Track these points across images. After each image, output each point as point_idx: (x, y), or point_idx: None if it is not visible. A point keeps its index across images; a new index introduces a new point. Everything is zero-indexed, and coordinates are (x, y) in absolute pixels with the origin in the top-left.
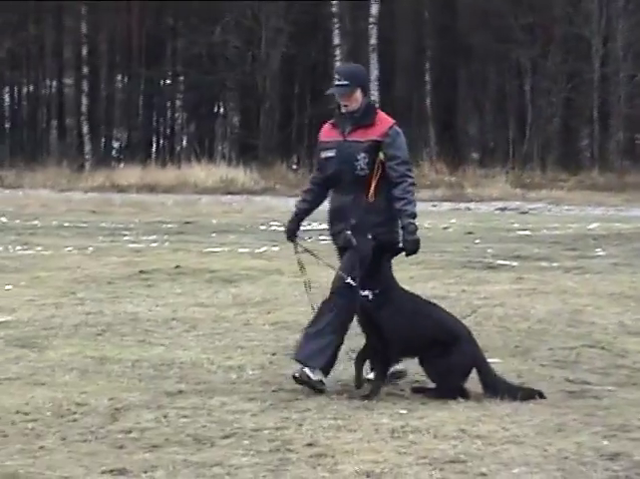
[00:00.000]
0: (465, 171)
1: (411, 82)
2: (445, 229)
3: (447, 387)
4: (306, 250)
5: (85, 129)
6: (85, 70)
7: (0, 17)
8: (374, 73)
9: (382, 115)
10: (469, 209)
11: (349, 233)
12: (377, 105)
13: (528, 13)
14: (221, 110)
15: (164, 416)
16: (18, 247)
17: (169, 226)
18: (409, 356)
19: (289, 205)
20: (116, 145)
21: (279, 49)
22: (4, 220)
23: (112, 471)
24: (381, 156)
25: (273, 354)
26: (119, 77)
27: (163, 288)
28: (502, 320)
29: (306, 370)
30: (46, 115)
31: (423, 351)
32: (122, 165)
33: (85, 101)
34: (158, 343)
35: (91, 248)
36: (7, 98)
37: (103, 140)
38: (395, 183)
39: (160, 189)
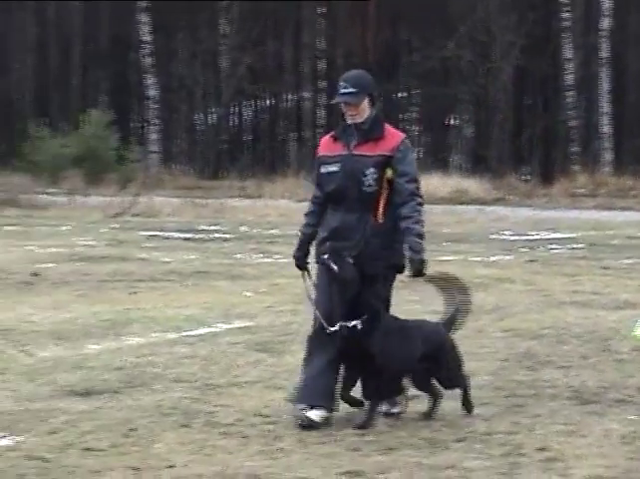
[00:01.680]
0: None
1: None
2: None
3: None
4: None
5: None
6: (322, 84)
7: (241, 35)
8: (604, 86)
9: (390, 128)
10: None
11: (326, 256)
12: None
13: None
14: (455, 122)
15: (399, 419)
16: (258, 255)
17: None
18: (404, 377)
19: (520, 215)
20: None
21: (511, 62)
22: (245, 228)
23: (348, 473)
24: (388, 173)
25: (505, 361)
26: None
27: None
28: None
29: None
30: (285, 127)
31: (416, 370)
32: None
33: (321, 113)
34: None
35: None
36: (248, 111)
37: None
38: (403, 201)
39: None
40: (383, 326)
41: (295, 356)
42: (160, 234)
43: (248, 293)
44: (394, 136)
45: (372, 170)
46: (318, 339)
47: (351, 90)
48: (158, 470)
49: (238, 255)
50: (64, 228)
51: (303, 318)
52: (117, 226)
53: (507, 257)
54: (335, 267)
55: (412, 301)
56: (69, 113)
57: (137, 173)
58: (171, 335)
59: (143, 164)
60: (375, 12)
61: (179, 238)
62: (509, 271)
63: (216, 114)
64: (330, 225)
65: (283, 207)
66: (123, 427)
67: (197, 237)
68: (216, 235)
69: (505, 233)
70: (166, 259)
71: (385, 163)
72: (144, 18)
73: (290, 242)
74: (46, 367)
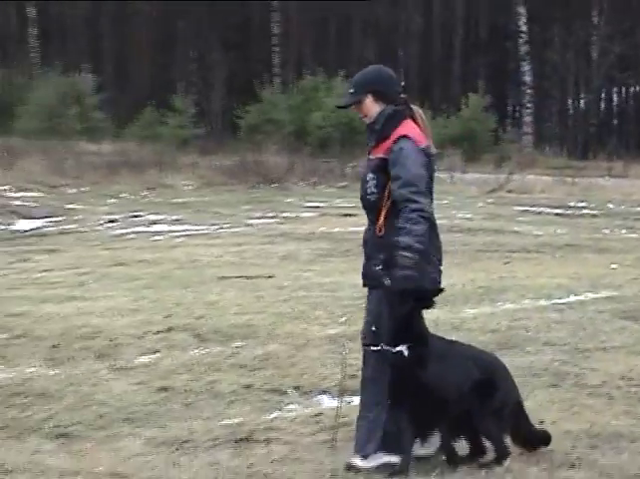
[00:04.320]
0: None
1: None
2: None
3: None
4: None
5: None
6: None
7: (611, 25)
8: None
9: (405, 125)
10: None
11: (379, 268)
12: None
13: None
14: None
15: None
16: (623, 231)
17: None
18: (457, 411)
19: None
20: None
21: None
22: (611, 206)
23: None
24: None
25: None
26: None
27: None
28: None
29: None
30: None
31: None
32: None
33: None
34: None
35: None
36: (615, 97)
37: None
38: (399, 210)
39: None
40: (433, 352)
41: None
42: (532, 209)
43: (614, 266)
44: (396, 134)
45: (371, 175)
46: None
47: (350, 90)
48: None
49: (605, 230)
50: (444, 201)
51: None
52: (492, 201)
53: None
54: (386, 281)
55: None
56: (450, 96)
57: (511, 153)
58: (543, 302)
59: (517, 144)
60: None
61: (550, 213)
62: None
63: (586, 99)
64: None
65: None
66: None
67: (567, 212)
68: (585, 211)
69: None
70: (538, 233)
71: (383, 166)
72: (521, 9)
73: None
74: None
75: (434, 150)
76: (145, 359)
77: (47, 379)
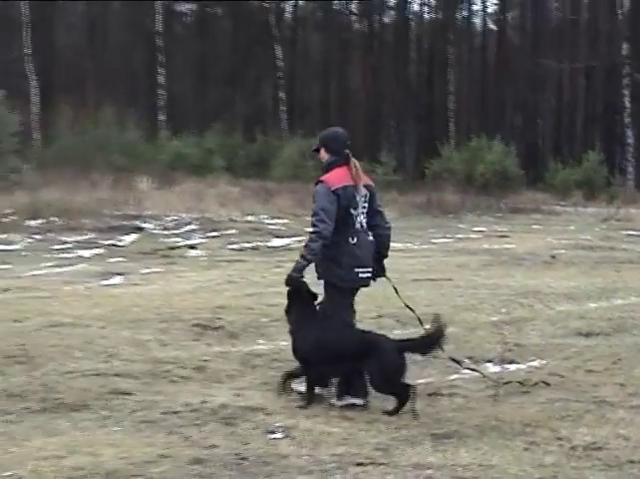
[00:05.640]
0: None
1: None
2: None
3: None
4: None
5: None
6: None
7: None
8: None
9: (334, 171)
10: None
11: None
12: None
13: None
14: None
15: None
16: None
17: None
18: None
19: None
20: None
21: None
22: None
23: None
24: None
25: None
26: None
27: None
28: None
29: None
30: None
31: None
32: None
33: None
34: None
35: None
36: None
37: None
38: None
39: None
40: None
41: None
42: (635, 233)
43: None
44: (321, 178)
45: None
46: None
47: (315, 145)
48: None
49: None
50: (570, 227)
51: None
52: (605, 227)
53: None
54: None
55: None
56: (575, 153)
57: (619, 193)
58: None
59: (623, 187)
60: None
61: None
62: None
63: None
64: None
65: None
66: (612, 358)
67: None
68: None
69: None
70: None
71: None
72: (625, 91)
73: None
74: (561, 317)
75: (361, 189)
76: None
77: None
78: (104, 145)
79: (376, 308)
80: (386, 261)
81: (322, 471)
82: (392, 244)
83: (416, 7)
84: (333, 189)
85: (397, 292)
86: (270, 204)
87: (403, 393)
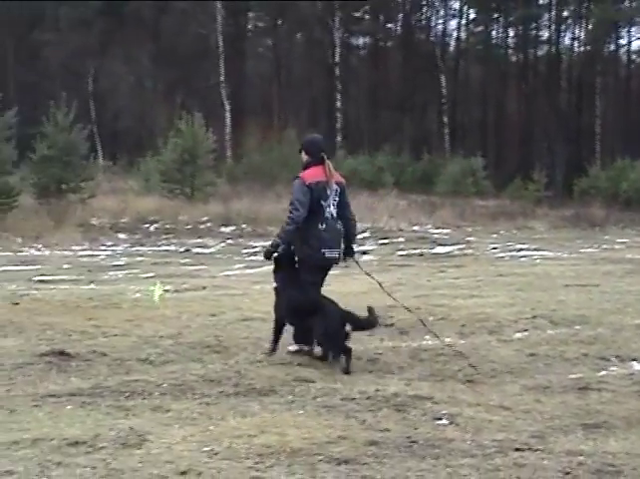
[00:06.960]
0: None
1: None
2: None
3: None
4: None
5: None
6: None
7: None
8: None
9: (309, 169)
10: None
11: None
12: None
13: None
14: None
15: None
16: None
17: None
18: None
19: None
20: None
21: None
22: None
23: None
24: None
25: None
26: None
27: None
28: None
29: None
30: None
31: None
32: None
33: None
34: None
35: None
36: None
37: None
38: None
39: None
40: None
41: None
42: None
43: None
44: (299, 174)
45: None
46: None
47: (299, 149)
48: None
49: None
50: None
51: None
52: None
53: None
54: None
55: None
56: None
57: None
58: None
59: None
60: None
61: None
62: None
63: None
64: None
65: None
66: None
67: None
68: None
69: None
70: None
71: None
72: None
73: None
74: None
75: (333, 184)
76: (519, 335)
77: (459, 346)
78: (287, 162)
79: (531, 311)
80: (540, 269)
81: (484, 455)
82: (543, 253)
83: (567, 41)
84: (307, 183)
85: (375, 280)
86: (434, 215)
87: (336, 350)
